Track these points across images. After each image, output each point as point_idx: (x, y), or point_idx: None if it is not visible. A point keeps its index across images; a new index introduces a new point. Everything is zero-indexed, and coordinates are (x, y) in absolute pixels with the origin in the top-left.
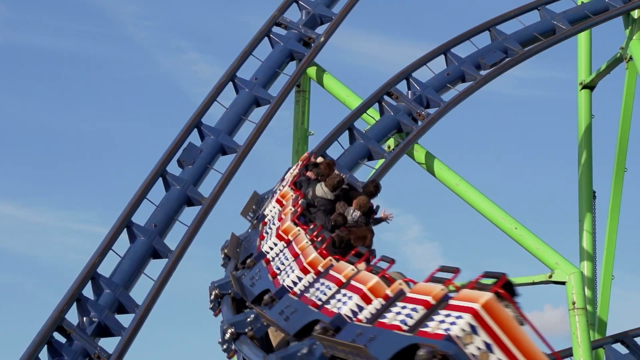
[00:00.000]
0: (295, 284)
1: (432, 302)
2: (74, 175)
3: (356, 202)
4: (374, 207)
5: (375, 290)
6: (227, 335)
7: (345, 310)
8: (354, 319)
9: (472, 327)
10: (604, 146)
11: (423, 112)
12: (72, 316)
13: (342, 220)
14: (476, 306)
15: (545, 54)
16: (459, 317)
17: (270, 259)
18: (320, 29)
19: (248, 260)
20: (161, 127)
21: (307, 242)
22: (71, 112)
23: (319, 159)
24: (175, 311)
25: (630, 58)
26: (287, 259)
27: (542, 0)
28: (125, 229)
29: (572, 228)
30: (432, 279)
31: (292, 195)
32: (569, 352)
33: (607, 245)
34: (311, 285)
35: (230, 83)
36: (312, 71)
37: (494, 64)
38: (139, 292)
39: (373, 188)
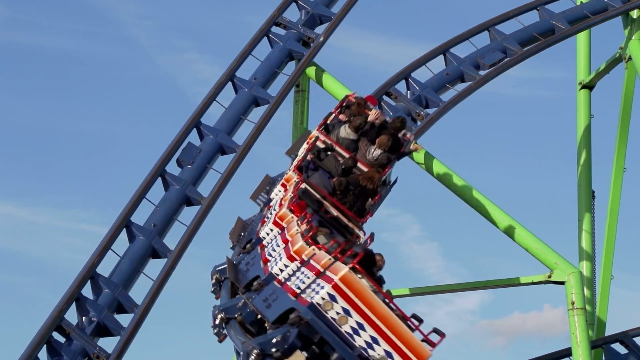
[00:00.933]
0: (281, 271)
1: (320, 270)
2: (73, 175)
3: (378, 141)
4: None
5: (346, 281)
6: (217, 320)
7: (317, 299)
8: None
9: (331, 296)
10: (603, 146)
11: (422, 112)
12: (72, 316)
13: (352, 163)
14: (335, 278)
15: (545, 54)
16: (322, 287)
17: (266, 244)
18: (320, 29)
19: (248, 245)
20: (160, 127)
21: (296, 230)
22: (70, 111)
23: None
24: (174, 311)
25: (630, 58)
26: (279, 246)
27: (542, 0)
28: (124, 229)
29: (572, 228)
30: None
31: (294, 180)
32: (568, 352)
33: (606, 245)
34: (294, 273)
35: (230, 83)
36: (311, 71)
37: (493, 64)
38: (138, 292)
39: (399, 123)
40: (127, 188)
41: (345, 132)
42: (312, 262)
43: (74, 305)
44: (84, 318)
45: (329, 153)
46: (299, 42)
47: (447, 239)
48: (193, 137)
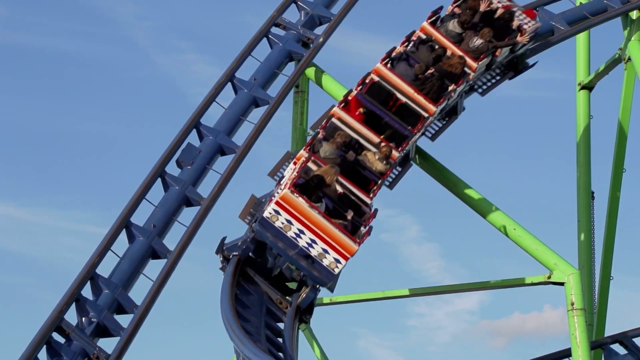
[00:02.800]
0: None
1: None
2: (72, 175)
3: (481, 32)
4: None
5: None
6: (221, 258)
7: (265, 214)
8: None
9: (276, 210)
10: (602, 147)
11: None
12: (71, 316)
13: (442, 52)
14: (276, 198)
15: (544, 54)
16: (269, 206)
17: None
18: (319, 30)
19: (253, 225)
20: (160, 128)
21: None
22: (70, 112)
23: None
24: (174, 311)
25: (629, 59)
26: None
27: (541, 1)
28: (124, 229)
29: (571, 229)
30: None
31: (304, 158)
32: (567, 352)
33: (606, 246)
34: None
35: (229, 83)
36: (310, 72)
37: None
38: (138, 292)
39: (508, 15)
40: (126, 189)
41: (452, 25)
42: (274, 195)
43: (73, 305)
44: (83, 318)
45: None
46: (298, 42)
47: (446, 240)
48: (193, 138)
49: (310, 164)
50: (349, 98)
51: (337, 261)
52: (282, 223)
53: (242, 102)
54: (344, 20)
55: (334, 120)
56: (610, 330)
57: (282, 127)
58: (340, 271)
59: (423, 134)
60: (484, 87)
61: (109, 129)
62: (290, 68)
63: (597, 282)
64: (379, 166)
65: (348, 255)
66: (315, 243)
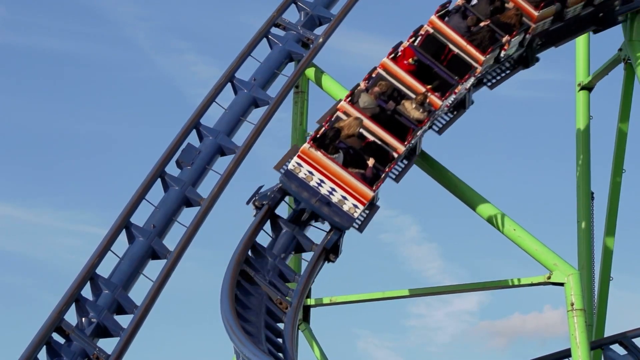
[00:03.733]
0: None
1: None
2: (72, 176)
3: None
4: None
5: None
6: (253, 207)
7: (289, 167)
8: None
9: (298, 163)
10: (602, 147)
11: None
12: (71, 317)
13: (500, 4)
14: (299, 151)
15: (544, 55)
16: (293, 159)
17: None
18: (319, 30)
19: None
20: (159, 128)
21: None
22: (70, 113)
23: None
24: (174, 312)
25: (629, 59)
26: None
27: None
28: (124, 230)
29: (571, 229)
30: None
31: (344, 107)
32: (567, 353)
33: (606, 246)
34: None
35: (229, 84)
36: (310, 72)
37: None
38: (138, 292)
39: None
40: (126, 189)
41: None
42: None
43: (73, 306)
44: (83, 319)
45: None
46: (298, 43)
47: (446, 240)
48: (192, 138)
49: (340, 114)
50: (400, 49)
51: (356, 206)
52: (305, 174)
53: (242, 102)
54: (344, 20)
55: (380, 70)
56: (609, 330)
57: (282, 127)
58: (359, 215)
59: (450, 108)
60: (493, 80)
61: (108, 130)
62: (290, 68)
63: (597, 282)
64: (416, 114)
65: (365, 201)
66: (335, 191)
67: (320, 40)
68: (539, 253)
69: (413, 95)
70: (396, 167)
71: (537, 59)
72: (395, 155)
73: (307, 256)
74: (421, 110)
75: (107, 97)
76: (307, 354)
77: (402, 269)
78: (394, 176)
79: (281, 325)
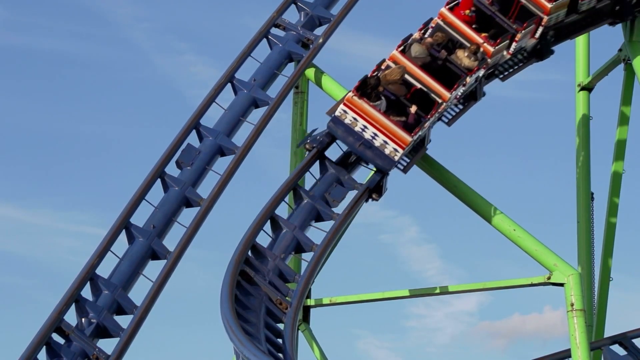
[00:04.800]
0: None
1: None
2: (72, 176)
3: None
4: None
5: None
6: (305, 149)
7: (336, 113)
8: None
9: (344, 110)
10: (602, 148)
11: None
12: (71, 317)
13: None
14: (344, 99)
15: None
16: (339, 107)
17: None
18: (319, 31)
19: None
20: (159, 129)
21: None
22: (69, 113)
23: None
24: (174, 312)
25: (628, 60)
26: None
27: None
28: (123, 230)
29: (571, 230)
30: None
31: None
32: (567, 353)
33: (605, 247)
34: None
35: (229, 84)
36: (310, 72)
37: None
38: (138, 293)
39: None
40: (126, 189)
41: None
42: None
43: (73, 306)
44: (83, 319)
45: None
46: (298, 43)
47: (445, 241)
48: (192, 139)
49: (390, 62)
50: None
51: (396, 150)
52: (350, 120)
53: (241, 102)
54: (344, 21)
55: (438, 20)
56: (609, 331)
57: (282, 128)
58: (400, 157)
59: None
60: (506, 72)
61: (108, 130)
62: (290, 69)
63: (597, 283)
64: (467, 62)
65: (404, 145)
66: (377, 136)
67: (320, 40)
68: (539, 253)
69: (468, 45)
70: (451, 110)
71: (552, 52)
72: (440, 101)
73: (307, 256)
74: (472, 58)
75: (107, 98)
76: (307, 355)
77: (401, 269)
78: (446, 120)
79: (281, 326)
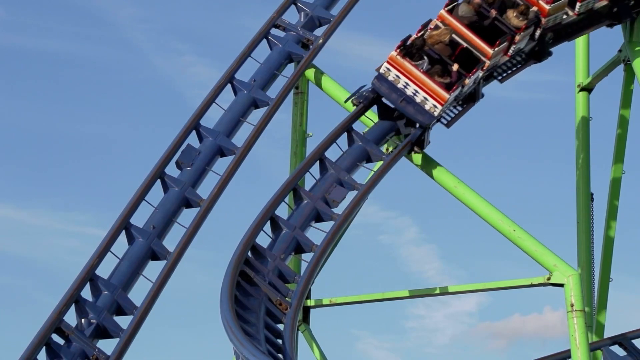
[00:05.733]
0: None
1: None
2: (72, 177)
3: None
4: None
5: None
6: (354, 102)
7: (380, 70)
8: None
9: (387, 68)
10: (601, 148)
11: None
12: (71, 318)
13: None
14: (388, 57)
15: None
16: (383, 64)
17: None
18: (319, 31)
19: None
20: (159, 130)
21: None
22: (69, 114)
23: None
24: (173, 313)
25: (628, 60)
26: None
27: None
28: (123, 231)
29: (570, 230)
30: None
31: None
32: (567, 354)
33: (605, 247)
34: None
35: (229, 85)
36: (310, 73)
37: None
38: (138, 293)
39: None
40: (126, 190)
41: None
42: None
43: (73, 307)
44: (83, 320)
45: None
46: (298, 44)
47: (445, 241)
48: (192, 139)
49: (438, 22)
50: None
51: (435, 106)
52: (393, 77)
53: (241, 103)
54: (344, 21)
55: None
56: (609, 331)
57: (282, 128)
58: (440, 113)
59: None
60: (504, 74)
61: (108, 131)
62: (289, 69)
63: (597, 283)
64: (516, 21)
65: (442, 102)
66: (418, 92)
67: (320, 41)
68: (539, 254)
69: (520, 2)
70: (450, 112)
71: (550, 53)
72: (485, 59)
73: (307, 257)
74: (521, 18)
75: (107, 99)
76: (306, 355)
77: (401, 270)
78: (445, 121)
79: (281, 326)
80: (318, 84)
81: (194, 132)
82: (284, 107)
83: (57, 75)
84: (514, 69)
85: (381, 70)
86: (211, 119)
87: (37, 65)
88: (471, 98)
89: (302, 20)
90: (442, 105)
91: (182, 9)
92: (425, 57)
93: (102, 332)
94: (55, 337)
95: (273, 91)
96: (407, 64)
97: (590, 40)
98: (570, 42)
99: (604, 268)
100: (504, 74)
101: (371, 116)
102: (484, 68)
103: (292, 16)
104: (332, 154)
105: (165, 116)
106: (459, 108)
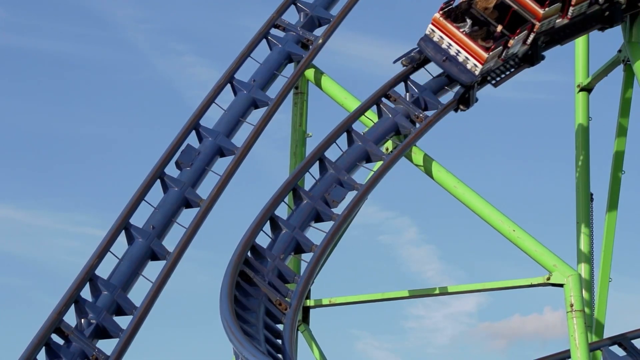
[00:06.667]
0: None
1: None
2: (71, 177)
3: None
4: None
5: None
6: (403, 63)
7: (426, 31)
8: None
9: (432, 29)
10: (601, 149)
11: (421, 115)
12: (70, 318)
13: None
14: (432, 20)
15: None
16: (428, 26)
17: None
18: (319, 31)
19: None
20: (158, 130)
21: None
22: (68, 114)
23: None
24: (173, 313)
25: (628, 60)
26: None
27: None
28: (123, 231)
29: (570, 230)
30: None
31: None
32: (567, 354)
33: (605, 247)
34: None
35: (229, 85)
36: (310, 73)
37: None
38: (137, 293)
39: None
40: (125, 190)
41: None
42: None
43: (72, 307)
44: (82, 320)
45: None
46: (297, 44)
47: (444, 242)
48: (192, 139)
49: None
50: None
51: (475, 65)
52: (437, 38)
53: (241, 103)
54: (344, 22)
55: None
56: (609, 331)
57: (281, 128)
58: (480, 72)
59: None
60: (498, 78)
61: (107, 131)
62: (289, 69)
63: (596, 283)
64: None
65: (482, 61)
66: (460, 52)
67: (320, 41)
68: (539, 254)
69: None
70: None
71: (543, 57)
72: (534, 21)
73: (307, 257)
74: None
75: (106, 99)
76: (306, 355)
77: (401, 270)
78: (494, 81)
79: (280, 327)
80: (318, 84)
81: (193, 132)
82: (283, 107)
83: (57, 76)
84: (508, 73)
85: (427, 32)
86: (211, 119)
87: (37, 66)
88: (527, 60)
89: (301, 20)
90: (482, 64)
91: (181, 9)
92: (469, 20)
93: (102, 332)
94: (55, 337)
95: (273, 91)
96: (450, 26)
97: (590, 41)
98: (570, 42)
99: (604, 268)
100: (498, 78)
101: (371, 116)
102: (535, 30)
103: (291, 16)
104: (332, 154)
105: (164, 116)
106: (512, 70)
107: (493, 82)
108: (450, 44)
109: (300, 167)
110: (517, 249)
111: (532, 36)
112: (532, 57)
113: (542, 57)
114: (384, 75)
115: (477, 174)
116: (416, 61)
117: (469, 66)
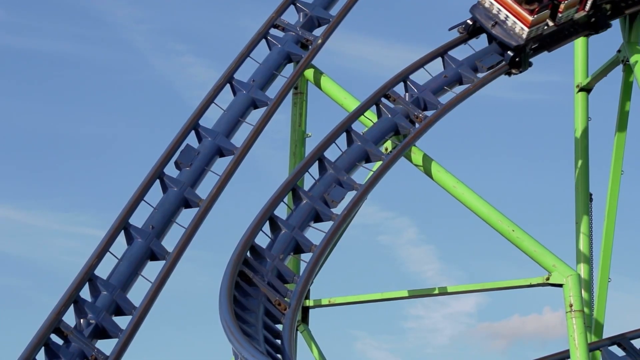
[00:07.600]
0: None
1: None
2: (71, 178)
3: None
4: None
5: None
6: (459, 30)
7: None
8: None
9: None
10: (600, 149)
11: (421, 115)
12: (70, 318)
13: None
14: None
15: (542, 56)
16: None
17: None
18: (318, 31)
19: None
20: (158, 130)
21: None
22: (68, 115)
23: None
24: (172, 313)
25: (627, 61)
26: None
27: None
28: (122, 231)
29: (569, 230)
30: None
31: None
32: (566, 354)
33: (604, 247)
34: None
35: (228, 85)
36: (309, 73)
37: (490, 67)
38: (137, 294)
39: None
40: (124, 190)
41: None
42: None
43: (72, 307)
44: (82, 320)
45: None
46: (297, 44)
47: (444, 242)
48: (191, 139)
49: None
50: None
51: (522, 29)
52: (488, 4)
53: (240, 103)
54: (343, 22)
55: None
56: (608, 332)
57: (281, 129)
58: (527, 36)
59: None
60: (553, 45)
61: (107, 132)
62: (289, 69)
63: (596, 284)
64: None
65: (527, 24)
66: (509, 17)
67: (320, 41)
68: (538, 254)
69: None
70: None
71: (530, 64)
72: None
73: (306, 257)
74: None
75: (106, 99)
76: (306, 355)
77: (400, 270)
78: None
79: (280, 327)
80: (317, 84)
81: (193, 132)
82: (283, 107)
83: (56, 76)
84: (495, 79)
85: None
86: (210, 119)
87: (37, 66)
88: (590, 27)
89: (301, 20)
90: (528, 27)
91: (180, 10)
92: None
93: (101, 332)
94: (54, 338)
95: (272, 91)
96: None
97: (589, 41)
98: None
99: (603, 268)
100: (553, 45)
101: (370, 116)
102: None
103: (291, 16)
104: (332, 154)
105: (164, 116)
106: (570, 37)
107: (548, 47)
108: (499, 9)
109: (299, 167)
110: (516, 249)
111: (589, 2)
112: (519, 63)
113: (530, 64)
114: (383, 76)
115: (477, 174)
116: (468, 28)
117: (517, 29)
